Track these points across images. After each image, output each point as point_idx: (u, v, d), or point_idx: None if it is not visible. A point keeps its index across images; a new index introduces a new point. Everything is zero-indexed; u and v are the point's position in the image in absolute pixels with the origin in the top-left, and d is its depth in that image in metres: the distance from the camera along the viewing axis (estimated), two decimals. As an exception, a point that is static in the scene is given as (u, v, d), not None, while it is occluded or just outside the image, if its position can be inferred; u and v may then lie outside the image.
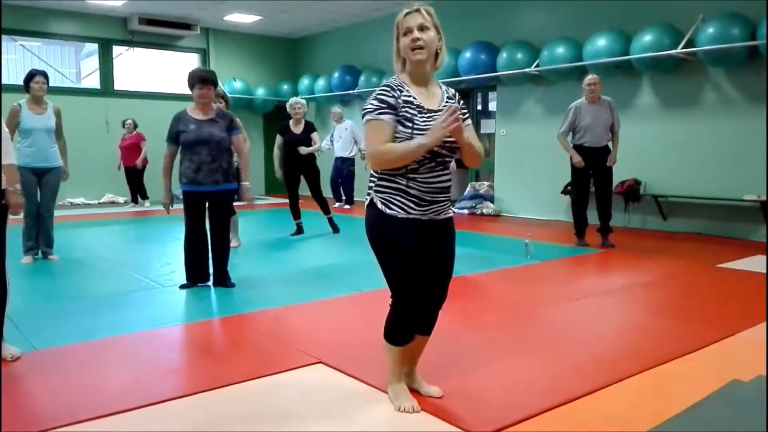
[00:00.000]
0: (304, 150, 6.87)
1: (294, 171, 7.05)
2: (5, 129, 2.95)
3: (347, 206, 10.40)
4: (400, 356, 2.46)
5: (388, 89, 2.31)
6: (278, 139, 6.96)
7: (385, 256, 2.36)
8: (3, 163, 2.88)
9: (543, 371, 2.85)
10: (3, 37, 10.61)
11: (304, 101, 7.08)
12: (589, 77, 6.24)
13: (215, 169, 4.34)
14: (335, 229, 7.32)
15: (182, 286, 4.52)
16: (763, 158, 6.40)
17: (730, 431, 2.27)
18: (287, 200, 7.26)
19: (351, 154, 10.30)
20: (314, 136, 6.98)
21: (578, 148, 6.22)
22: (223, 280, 4.58)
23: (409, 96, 2.31)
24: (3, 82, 10.80)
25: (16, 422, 2.32)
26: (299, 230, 7.19)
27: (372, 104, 2.30)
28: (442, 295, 2.48)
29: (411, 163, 2.29)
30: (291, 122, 6.96)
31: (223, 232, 4.54)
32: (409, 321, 2.40)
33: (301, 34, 13.13)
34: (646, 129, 7.58)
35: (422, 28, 2.29)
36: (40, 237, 5.55)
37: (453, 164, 2.65)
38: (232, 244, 6.15)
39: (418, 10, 2.31)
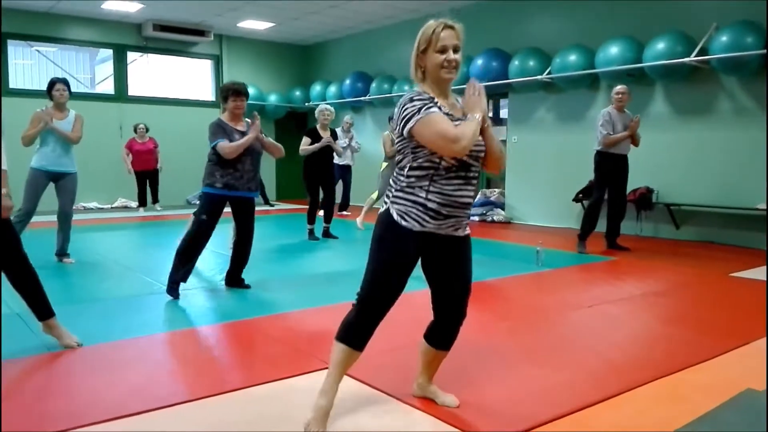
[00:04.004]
0: (339, 152, 7.34)
1: (319, 176, 7.13)
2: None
3: (347, 212, 10.45)
4: (346, 360, 2.36)
5: (419, 94, 2.28)
6: (306, 140, 6.99)
7: (380, 262, 2.32)
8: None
9: (555, 379, 2.83)
10: (19, 42, 10.76)
11: (333, 108, 7.26)
12: (619, 87, 6.43)
13: (252, 178, 4.52)
14: (329, 236, 7.40)
15: (173, 292, 4.38)
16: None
17: (744, 441, 2.25)
18: (307, 204, 7.31)
19: (352, 162, 10.38)
20: (336, 144, 7.25)
21: (607, 156, 6.33)
22: (239, 282, 4.71)
23: (438, 104, 2.28)
24: (19, 87, 10.86)
25: (28, 423, 2.34)
26: (314, 235, 7.23)
27: (415, 105, 2.23)
28: (462, 312, 2.43)
29: (439, 171, 2.25)
30: (318, 127, 7.06)
31: (251, 236, 4.69)
32: (370, 325, 2.34)
33: (313, 41, 13.20)
34: (658, 137, 7.54)
35: (456, 49, 2.27)
36: (57, 240, 5.62)
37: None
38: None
39: (454, 28, 2.27)
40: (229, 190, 4.43)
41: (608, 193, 6.48)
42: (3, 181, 2.96)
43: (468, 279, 2.43)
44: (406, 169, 2.32)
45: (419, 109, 2.23)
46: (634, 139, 6.35)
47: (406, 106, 2.27)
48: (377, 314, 2.33)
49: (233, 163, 4.40)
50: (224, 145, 4.34)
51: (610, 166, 6.35)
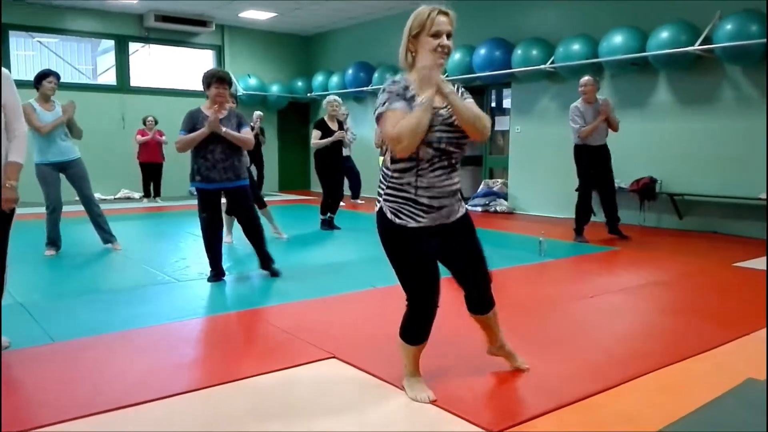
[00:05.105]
0: (347, 139, 7.43)
1: (330, 166, 7.16)
2: (24, 128, 3.04)
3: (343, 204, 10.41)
4: (414, 354, 2.49)
5: (393, 83, 2.31)
6: (317, 133, 6.99)
7: (398, 262, 2.39)
8: (10, 159, 2.92)
9: (556, 368, 2.84)
10: (21, 33, 10.74)
11: (340, 99, 7.27)
12: (583, 79, 6.44)
13: (228, 167, 4.43)
14: (332, 228, 7.40)
15: (213, 280, 4.59)
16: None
17: (744, 431, 2.25)
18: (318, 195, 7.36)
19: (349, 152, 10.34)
20: (346, 137, 7.30)
21: (584, 148, 6.39)
22: (269, 263, 4.76)
23: (414, 94, 2.29)
24: (20, 78, 10.89)
25: (32, 413, 2.35)
26: (330, 224, 7.26)
27: (381, 98, 2.28)
28: (483, 275, 2.53)
29: (422, 164, 2.28)
30: (326, 118, 7.08)
31: (251, 221, 4.66)
32: (423, 322, 2.44)
33: (315, 31, 13.15)
34: (662, 127, 7.51)
35: (449, 35, 2.28)
36: (94, 229, 5.75)
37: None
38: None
39: (448, 14, 2.28)
40: (208, 183, 4.41)
41: (596, 185, 6.52)
42: (9, 174, 2.94)
43: (477, 247, 2.51)
44: (389, 163, 2.34)
45: (383, 103, 2.26)
46: (612, 124, 6.33)
47: (378, 98, 2.31)
48: (426, 306, 2.41)
49: (202, 153, 4.37)
50: (178, 140, 4.39)
51: (589, 157, 6.39)
